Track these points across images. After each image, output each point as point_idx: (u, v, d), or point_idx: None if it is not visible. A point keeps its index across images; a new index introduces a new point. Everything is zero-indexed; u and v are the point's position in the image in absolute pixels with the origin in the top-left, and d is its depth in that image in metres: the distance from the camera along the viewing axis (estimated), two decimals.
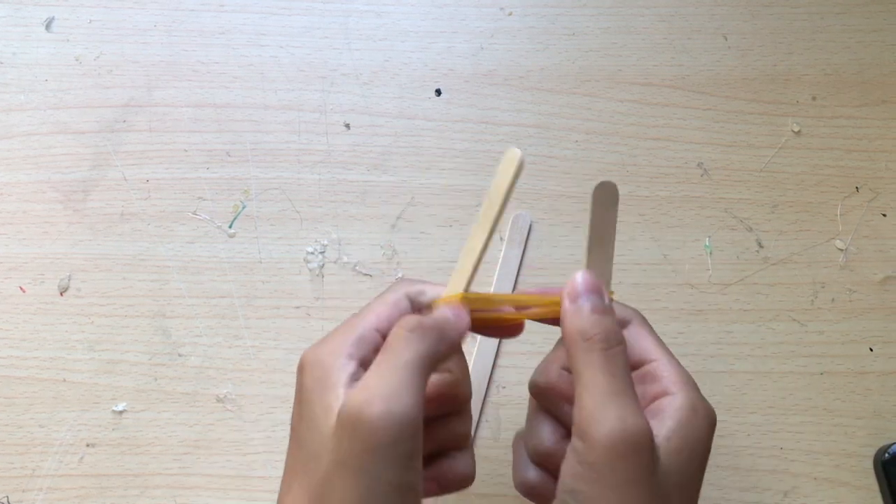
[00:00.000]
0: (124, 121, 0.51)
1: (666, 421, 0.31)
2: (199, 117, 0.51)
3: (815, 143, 0.52)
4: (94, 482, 0.45)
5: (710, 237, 0.50)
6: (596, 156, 0.51)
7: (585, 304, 0.33)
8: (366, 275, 0.49)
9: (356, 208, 0.50)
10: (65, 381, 0.47)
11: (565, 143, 0.51)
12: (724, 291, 0.49)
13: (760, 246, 0.50)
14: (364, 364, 0.32)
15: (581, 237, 0.50)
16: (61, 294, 0.48)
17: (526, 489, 0.35)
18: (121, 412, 0.46)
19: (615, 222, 0.34)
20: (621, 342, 0.32)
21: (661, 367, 0.33)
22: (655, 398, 0.33)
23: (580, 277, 0.33)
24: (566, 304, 0.33)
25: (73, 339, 0.47)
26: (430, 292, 0.35)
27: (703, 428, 0.32)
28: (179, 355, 0.47)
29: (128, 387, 0.47)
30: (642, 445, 0.30)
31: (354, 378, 0.31)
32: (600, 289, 0.33)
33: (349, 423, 0.29)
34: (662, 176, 0.51)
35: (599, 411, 0.30)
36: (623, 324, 0.34)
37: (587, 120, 0.52)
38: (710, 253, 0.50)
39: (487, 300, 0.35)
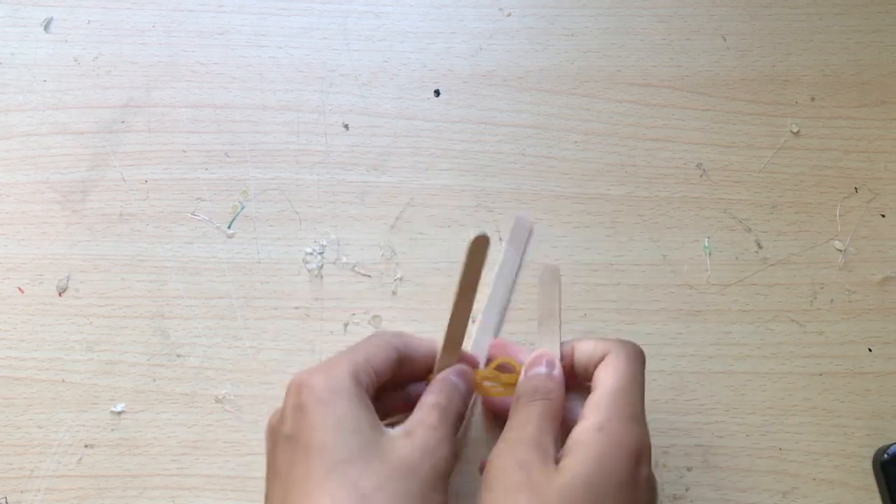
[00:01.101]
0: (123, 121, 0.51)
1: (568, 443, 0.35)
2: (198, 118, 0.51)
3: (813, 144, 0.52)
4: (92, 483, 0.45)
5: (709, 238, 0.50)
6: (595, 156, 0.51)
7: (531, 374, 0.39)
8: (365, 275, 0.49)
9: (355, 209, 0.50)
10: (63, 381, 0.47)
11: (564, 143, 0.51)
12: (723, 292, 0.49)
13: (759, 246, 0.50)
14: (368, 393, 0.36)
15: (579, 238, 0.50)
16: (60, 295, 0.48)
17: None
18: (119, 413, 0.46)
19: (560, 298, 0.40)
20: (545, 397, 0.37)
21: (593, 396, 0.37)
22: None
23: (535, 353, 0.40)
24: (522, 376, 0.39)
25: (72, 339, 0.47)
26: (419, 349, 0.40)
27: (608, 445, 0.34)
28: (178, 356, 0.47)
29: (126, 387, 0.47)
30: (528, 463, 0.34)
31: (369, 405, 0.36)
32: (551, 361, 0.39)
33: (416, 459, 0.34)
34: (661, 177, 0.51)
35: (502, 449, 0.36)
36: (600, 357, 0.38)
37: (586, 121, 0.52)
38: (709, 253, 0.50)
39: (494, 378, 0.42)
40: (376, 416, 0.35)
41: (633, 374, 0.37)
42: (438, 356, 0.40)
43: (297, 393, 0.35)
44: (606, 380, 0.37)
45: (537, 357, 0.39)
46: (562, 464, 0.34)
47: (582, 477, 0.33)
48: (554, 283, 0.40)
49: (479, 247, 0.36)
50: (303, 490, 0.32)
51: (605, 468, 0.33)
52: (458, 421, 0.38)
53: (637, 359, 0.38)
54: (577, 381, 0.40)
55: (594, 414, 0.35)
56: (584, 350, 0.39)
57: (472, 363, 0.41)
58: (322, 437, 0.33)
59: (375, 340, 0.38)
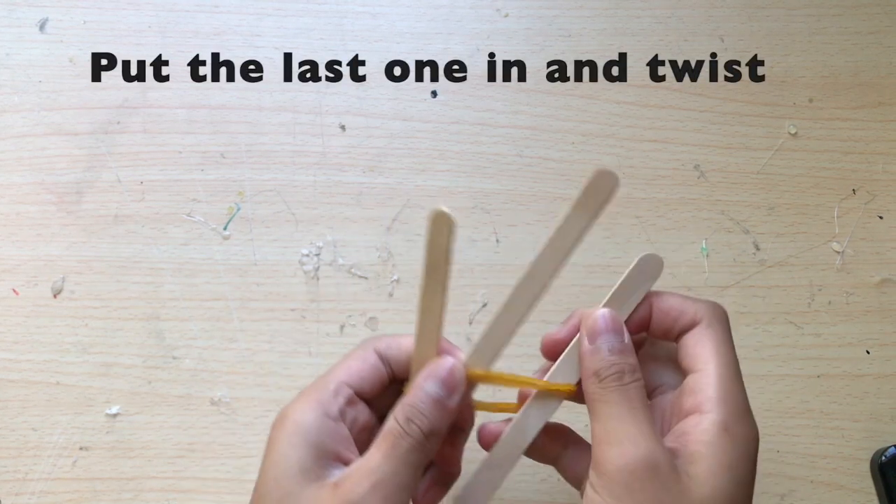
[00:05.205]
0: (118, 122, 0.51)
1: (690, 445, 0.31)
2: (194, 119, 0.51)
3: (811, 146, 0.52)
4: (87, 486, 0.45)
5: (706, 240, 0.50)
6: (592, 157, 0.51)
7: (604, 346, 0.33)
8: (361, 277, 0.49)
9: (351, 210, 0.50)
10: (58, 384, 0.46)
11: (561, 144, 0.51)
12: (721, 294, 0.49)
13: (757, 248, 0.50)
14: (341, 417, 0.32)
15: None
16: (55, 296, 0.48)
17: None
18: (114, 415, 0.46)
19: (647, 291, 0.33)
20: (636, 378, 0.32)
21: (703, 380, 0.32)
22: (687, 414, 0.32)
23: (600, 316, 0.33)
24: (585, 343, 0.33)
25: (67, 341, 0.47)
26: (404, 344, 0.35)
27: (737, 449, 0.30)
28: (173, 358, 0.47)
29: (122, 390, 0.46)
30: (658, 466, 0.29)
31: (331, 436, 0.32)
32: (620, 328, 0.33)
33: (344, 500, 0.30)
34: (659, 178, 0.51)
35: (612, 439, 0.30)
36: (690, 324, 0.33)
37: (583, 122, 0.52)
38: (707, 255, 0.50)
39: (487, 377, 0.35)
40: (321, 457, 0.31)
41: (733, 349, 0.33)
42: (413, 357, 0.34)
43: (272, 427, 0.33)
44: (709, 362, 0.32)
45: (614, 325, 0.33)
46: (693, 472, 0.30)
47: (721, 491, 0.29)
48: (651, 278, 0.33)
49: (441, 224, 0.32)
50: None
51: (739, 477, 0.30)
52: (425, 446, 0.31)
53: (729, 327, 0.34)
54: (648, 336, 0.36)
55: (712, 408, 0.31)
56: (668, 310, 0.34)
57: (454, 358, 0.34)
58: (259, 482, 0.32)
59: (357, 352, 0.35)
